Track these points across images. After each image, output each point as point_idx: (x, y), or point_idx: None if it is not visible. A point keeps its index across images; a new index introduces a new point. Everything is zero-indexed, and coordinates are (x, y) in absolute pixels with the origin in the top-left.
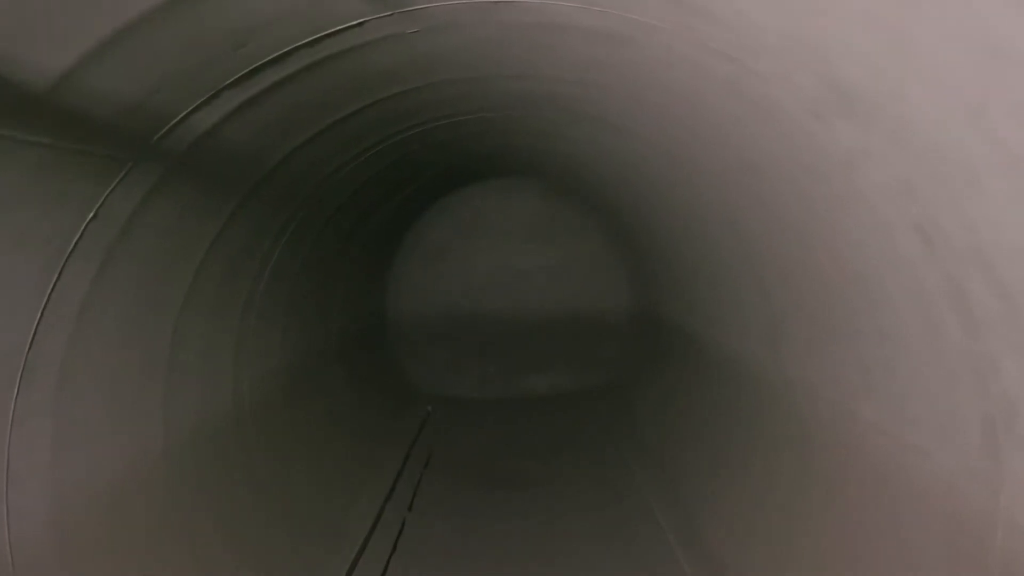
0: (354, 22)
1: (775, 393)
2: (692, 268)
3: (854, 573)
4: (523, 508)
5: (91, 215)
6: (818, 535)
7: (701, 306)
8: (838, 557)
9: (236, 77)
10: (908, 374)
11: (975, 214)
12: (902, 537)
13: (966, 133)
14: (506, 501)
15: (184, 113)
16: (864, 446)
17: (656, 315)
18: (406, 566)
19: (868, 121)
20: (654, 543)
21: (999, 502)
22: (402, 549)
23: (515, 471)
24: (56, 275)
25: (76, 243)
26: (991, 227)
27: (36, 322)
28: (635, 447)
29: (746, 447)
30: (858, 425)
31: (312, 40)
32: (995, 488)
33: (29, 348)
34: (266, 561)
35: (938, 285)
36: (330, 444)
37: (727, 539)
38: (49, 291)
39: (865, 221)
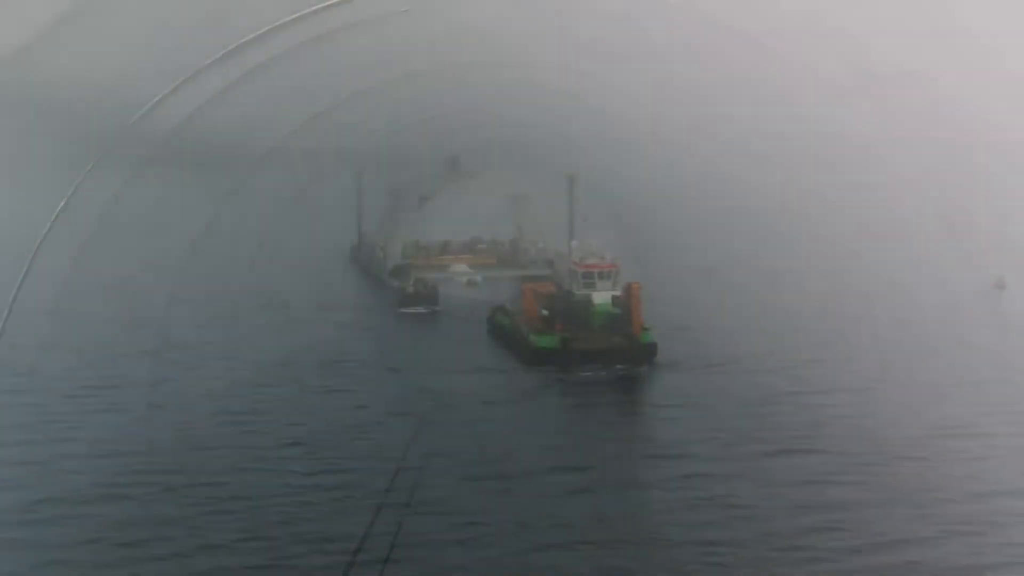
0: None
1: (781, 390)
2: (697, 266)
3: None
4: (523, 506)
5: (61, 205)
6: (829, 536)
7: (708, 302)
8: (853, 560)
9: (214, 59)
10: (933, 372)
11: (1013, 205)
12: (924, 540)
13: (1007, 114)
14: (506, 499)
15: (161, 96)
16: (883, 445)
17: (661, 309)
18: (404, 568)
19: (895, 104)
20: (658, 543)
21: None
22: (400, 550)
23: (515, 467)
24: (23, 271)
25: (45, 236)
26: None
27: (2, 322)
28: (638, 443)
29: (754, 446)
30: (876, 424)
31: (296, 18)
32: None
33: None
34: (258, 563)
35: (967, 281)
36: (326, 441)
37: (734, 539)
38: (16, 289)
39: (886, 214)
